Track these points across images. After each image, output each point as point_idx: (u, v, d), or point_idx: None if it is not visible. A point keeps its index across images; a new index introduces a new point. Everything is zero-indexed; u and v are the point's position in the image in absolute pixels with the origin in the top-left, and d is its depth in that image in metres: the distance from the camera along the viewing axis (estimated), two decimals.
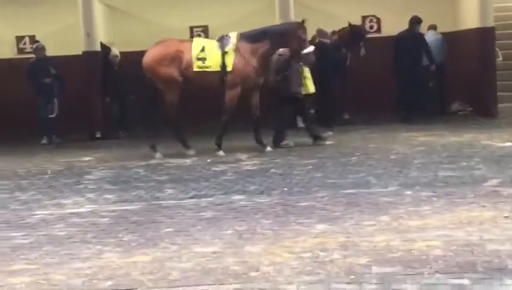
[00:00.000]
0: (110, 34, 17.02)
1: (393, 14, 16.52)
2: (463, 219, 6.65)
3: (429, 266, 5.41)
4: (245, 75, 11.71)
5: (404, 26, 15.58)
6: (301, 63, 12.00)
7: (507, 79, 15.12)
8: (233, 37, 11.84)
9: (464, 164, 9.60)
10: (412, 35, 15.07)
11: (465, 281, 5.02)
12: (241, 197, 8.31)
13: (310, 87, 12.34)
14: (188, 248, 6.23)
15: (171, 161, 11.45)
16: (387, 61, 15.20)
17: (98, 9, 16.41)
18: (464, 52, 15.66)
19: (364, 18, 16.94)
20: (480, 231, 6.21)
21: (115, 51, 15.86)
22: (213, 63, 11.73)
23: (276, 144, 12.20)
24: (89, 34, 15.83)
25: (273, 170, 10.05)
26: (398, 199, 7.75)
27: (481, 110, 15.08)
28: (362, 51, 15.02)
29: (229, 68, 11.68)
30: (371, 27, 17.04)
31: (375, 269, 5.41)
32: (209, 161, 11.21)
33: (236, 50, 11.72)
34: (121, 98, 15.63)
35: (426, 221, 6.70)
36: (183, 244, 6.38)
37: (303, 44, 11.75)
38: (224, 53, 11.70)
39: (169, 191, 8.94)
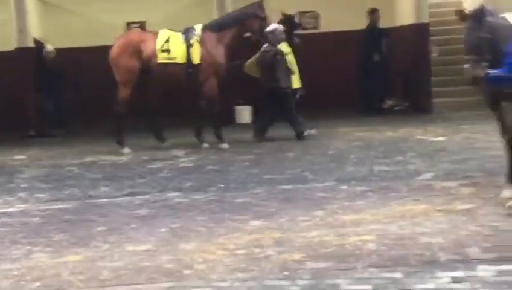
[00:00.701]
0: (44, 29, 16.65)
1: (332, 10, 16.57)
2: (396, 213, 6.70)
3: (362, 260, 5.43)
4: (216, 65, 11.62)
5: (343, 21, 15.76)
6: (269, 44, 11.92)
7: (442, 74, 15.32)
8: (198, 28, 11.75)
9: (399, 158, 9.69)
10: (373, 30, 15.36)
11: (398, 275, 5.05)
12: (177, 194, 8.22)
13: (296, 81, 12.27)
14: (121, 247, 6.12)
15: (107, 158, 11.27)
16: (327, 57, 15.28)
17: (31, 4, 16.01)
18: (400, 48, 15.83)
19: (302, 14, 16.95)
20: (412, 225, 6.27)
21: (49, 47, 15.52)
22: (178, 55, 11.58)
23: (300, 137, 11.98)
24: (22, 30, 15.46)
25: (209, 167, 9.97)
26: (333, 194, 7.77)
27: (417, 105, 15.26)
28: (296, 41, 15.03)
29: (195, 61, 11.57)
30: (309, 23, 17.05)
31: (309, 264, 5.40)
32: (145, 158, 11.06)
33: (202, 41, 11.61)
34: (55, 95, 15.30)
35: (360, 216, 6.72)
36: (115, 242, 6.27)
37: (263, 23, 11.73)
38: (189, 45, 11.59)
39: (104, 189, 8.79)
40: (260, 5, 11.73)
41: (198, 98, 11.89)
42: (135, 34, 12.14)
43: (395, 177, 8.47)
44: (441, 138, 11.20)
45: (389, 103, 15.95)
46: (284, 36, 12.18)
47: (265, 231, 6.41)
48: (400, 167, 9.12)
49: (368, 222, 6.45)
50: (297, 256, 5.60)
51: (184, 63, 11.55)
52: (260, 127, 12.34)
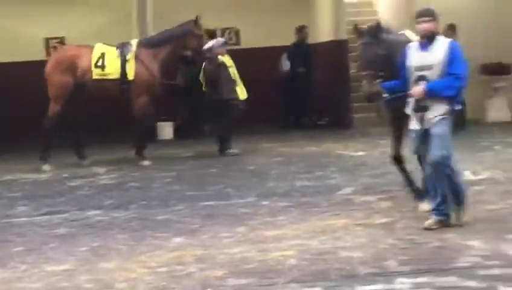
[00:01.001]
0: None
1: (252, 26, 16.72)
2: (317, 228, 6.78)
3: (284, 275, 5.46)
4: (149, 83, 11.47)
5: (261, 38, 15.88)
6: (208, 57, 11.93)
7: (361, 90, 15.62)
8: (134, 44, 11.62)
9: (320, 173, 9.82)
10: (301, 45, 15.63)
11: None
12: (97, 212, 8.10)
13: (241, 92, 12.21)
14: (39, 267, 5.99)
15: (27, 176, 11.00)
16: (247, 73, 15.36)
17: None
18: (321, 64, 16.07)
19: (224, 30, 17.02)
20: (333, 239, 6.35)
21: None
22: (113, 70, 11.42)
23: (223, 152, 11.94)
24: None
25: (131, 184, 9.87)
26: (255, 209, 7.81)
27: (337, 120, 15.50)
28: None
29: (130, 77, 11.43)
30: (230, 39, 17.12)
31: (230, 281, 5.40)
32: (65, 175, 10.87)
33: (137, 57, 11.48)
34: None
35: (282, 231, 6.77)
36: (34, 263, 6.13)
37: (201, 40, 11.70)
38: (125, 61, 11.44)
39: (22, 208, 8.59)
40: (196, 23, 11.66)
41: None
42: (71, 49, 11.95)
43: (316, 192, 8.57)
44: (360, 153, 11.41)
45: (308, 119, 16.13)
46: (224, 48, 12.24)
47: (187, 248, 6.39)
48: (320, 182, 9.24)
49: (289, 237, 6.51)
50: (219, 273, 5.60)
51: (118, 79, 11.43)
52: (221, 141, 12.17)
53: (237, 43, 17.14)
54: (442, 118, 6.36)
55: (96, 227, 7.39)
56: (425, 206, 6.90)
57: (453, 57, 6.33)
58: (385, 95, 6.72)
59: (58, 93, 11.51)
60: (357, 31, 7.15)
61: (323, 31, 16.47)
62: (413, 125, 6.52)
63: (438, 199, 6.41)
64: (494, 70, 14.50)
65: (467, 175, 8.92)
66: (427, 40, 6.41)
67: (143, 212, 8.01)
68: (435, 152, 6.36)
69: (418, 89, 6.34)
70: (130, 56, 11.44)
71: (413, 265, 5.48)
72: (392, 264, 5.57)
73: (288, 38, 16.20)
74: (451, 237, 6.16)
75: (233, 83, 12.08)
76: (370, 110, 15.14)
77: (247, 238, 6.61)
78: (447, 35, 13.20)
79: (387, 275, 5.31)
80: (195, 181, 9.83)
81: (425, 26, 6.37)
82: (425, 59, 6.39)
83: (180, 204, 8.30)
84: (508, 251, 5.62)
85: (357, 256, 5.82)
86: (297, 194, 8.53)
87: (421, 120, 6.42)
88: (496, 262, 5.38)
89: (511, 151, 10.60)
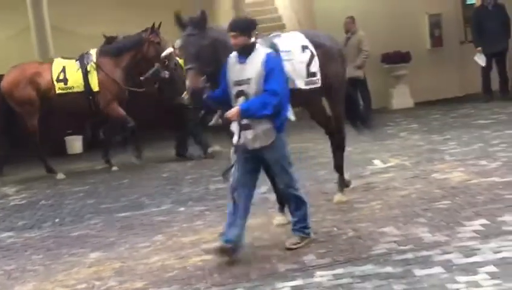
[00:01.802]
0: None
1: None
2: None
3: (205, 280, 5.47)
4: (115, 91, 11.34)
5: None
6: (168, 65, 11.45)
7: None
8: (93, 53, 11.37)
9: None
10: None
11: None
12: (9, 234, 7.91)
13: None
14: None
15: None
16: None
17: None
18: None
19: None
20: (251, 239, 6.38)
21: None
22: (76, 83, 11.24)
23: (205, 152, 11.70)
24: None
25: (43, 202, 9.65)
26: (172, 216, 7.78)
27: None
28: None
29: (94, 88, 11.24)
30: None
31: None
32: None
33: (98, 67, 11.28)
34: None
35: (200, 236, 6.78)
36: None
37: (159, 47, 11.42)
38: (86, 72, 11.24)
39: None
40: (154, 30, 11.46)
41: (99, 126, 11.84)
42: (30, 66, 11.64)
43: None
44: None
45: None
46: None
47: (105, 262, 6.31)
48: None
49: (208, 242, 6.50)
50: (139, 284, 5.56)
51: (83, 91, 11.26)
52: (202, 144, 11.89)
53: None
54: (271, 142, 5.84)
55: (9, 249, 7.21)
56: (281, 219, 6.85)
57: (269, 71, 5.73)
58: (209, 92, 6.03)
59: (28, 109, 11.44)
60: (179, 21, 6.22)
61: None
62: (235, 141, 5.93)
63: (295, 218, 6.14)
64: (394, 58, 14.88)
65: (376, 163, 9.16)
66: (243, 52, 5.84)
67: (57, 229, 7.86)
68: (278, 180, 6.13)
69: (232, 111, 5.73)
70: (90, 67, 11.30)
71: (331, 257, 5.59)
72: (310, 258, 5.65)
73: None
74: (365, 225, 6.30)
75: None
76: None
77: (165, 246, 6.58)
78: (347, 28, 13.75)
79: (306, 270, 5.40)
80: (109, 193, 9.70)
81: (234, 41, 5.82)
82: (242, 73, 5.82)
83: (95, 218, 8.18)
84: (420, 234, 5.79)
85: (276, 253, 5.88)
86: (212, 197, 8.54)
87: (244, 139, 5.88)
88: (410, 246, 5.54)
89: (416, 138, 10.90)
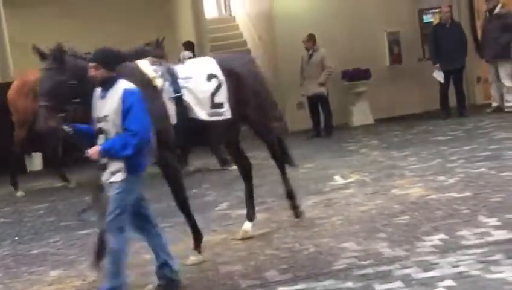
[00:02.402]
0: None
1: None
2: None
3: None
4: None
5: None
6: None
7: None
8: None
9: (195, 191, 9.83)
10: None
11: None
12: None
13: None
14: None
15: None
16: None
17: None
18: None
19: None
20: (213, 255, 6.41)
21: None
22: None
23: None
24: None
25: (1, 220, 9.54)
26: (132, 233, 7.70)
27: None
28: None
29: None
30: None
31: None
32: None
33: None
34: None
35: None
36: None
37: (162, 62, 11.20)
38: None
39: None
40: (158, 44, 11.12)
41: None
42: (32, 74, 11.48)
43: (193, 210, 8.54)
44: (234, 167, 11.37)
45: None
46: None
47: (65, 280, 6.27)
48: (196, 199, 9.22)
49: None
50: None
51: None
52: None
53: None
54: (119, 181, 5.36)
55: None
56: (248, 226, 6.95)
57: (127, 109, 5.29)
58: (69, 130, 5.54)
59: (23, 119, 11.33)
60: (39, 53, 5.81)
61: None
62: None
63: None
64: (354, 75, 15.05)
65: (337, 179, 9.24)
66: (103, 86, 5.41)
67: (17, 248, 7.78)
68: (108, 214, 5.42)
69: (92, 151, 5.33)
70: None
71: (292, 273, 5.62)
72: (272, 274, 5.68)
73: None
74: (326, 241, 6.36)
75: None
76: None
77: (128, 263, 6.53)
78: (307, 46, 13.88)
79: (268, 286, 5.43)
80: (69, 211, 9.61)
81: (92, 73, 5.38)
82: (102, 109, 5.40)
83: (55, 236, 8.12)
84: (379, 249, 5.86)
85: (238, 270, 5.90)
86: (174, 214, 8.49)
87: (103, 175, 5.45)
88: (370, 261, 5.60)
89: (376, 154, 11.02)
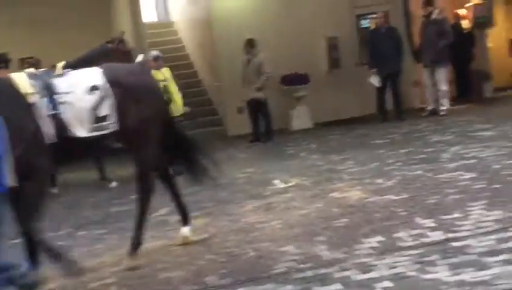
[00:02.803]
0: None
1: (54, 55, 16.45)
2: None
3: None
4: None
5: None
6: None
7: None
8: (59, 68, 10.58)
9: (134, 197, 9.71)
10: None
11: None
12: None
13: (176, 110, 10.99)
14: None
15: None
16: None
17: None
18: None
19: (22, 60, 16.47)
20: (152, 261, 6.35)
21: None
22: None
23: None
24: None
25: None
26: (71, 241, 7.62)
27: None
28: None
29: None
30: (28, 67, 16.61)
31: None
32: None
33: None
34: None
35: (100, 259, 6.68)
36: None
37: (129, 57, 10.53)
38: None
39: None
40: (121, 39, 10.87)
41: None
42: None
43: (132, 216, 8.45)
44: (114, 184, 11.23)
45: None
46: (157, 62, 11.28)
47: None
48: (134, 205, 9.16)
49: (108, 265, 6.43)
50: None
51: None
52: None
53: None
54: None
55: None
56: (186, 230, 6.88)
57: None
58: None
59: None
60: None
61: None
62: None
63: None
64: (293, 80, 15.17)
65: (277, 183, 9.28)
66: None
67: None
68: None
69: None
70: None
71: (232, 277, 5.61)
72: (212, 279, 5.66)
73: None
74: (266, 245, 6.37)
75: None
76: None
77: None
78: (247, 51, 13.93)
79: None
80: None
81: None
82: None
83: None
84: (319, 253, 5.90)
85: (177, 275, 5.86)
86: (112, 220, 8.44)
87: None
88: (309, 265, 5.63)
89: (316, 157, 11.11)
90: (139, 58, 10.13)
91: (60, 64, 10.33)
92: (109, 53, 10.71)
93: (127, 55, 10.70)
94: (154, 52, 11.62)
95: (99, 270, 6.32)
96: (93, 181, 11.65)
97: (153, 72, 10.50)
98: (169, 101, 10.88)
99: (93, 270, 6.31)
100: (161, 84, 10.47)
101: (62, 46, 16.67)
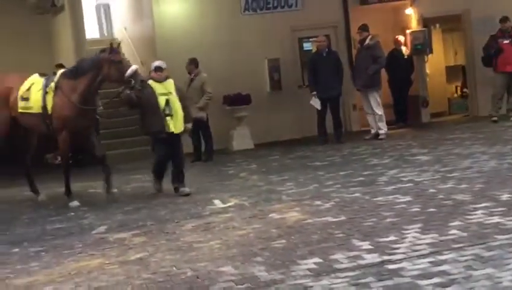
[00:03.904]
0: None
1: None
2: (72, 270, 6.66)
3: None
4: (66, 116, 10.19)
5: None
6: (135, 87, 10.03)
7: (110, 127, 15.56)
8: (58, 74, 10.36)
9: (72, 214, 9.64)
10: None
11: None
12: None
13: (174, 125, 10.31)
14: None
15: None
16: None
17: None
18: None
19: None
20: (88, 280, 6.28)
21: None
22: (35, 104, 10.21)
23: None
24: None
25: None
26: (5, 258, 7.49)
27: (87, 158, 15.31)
28: None
29: (49, 110, 10.18)
30: None
31: None
32: None
33: (57, 89, 10.18)
34: None
35: (34, 277, 6.57)
36: None
37: (121, 67, 10.09)
38: (45, 93, 10.20)
39: None
40: (113, 49, 10.29)
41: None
42: (8, 79, 10.76)
43: (69, 233, 8.42)
44: (114, 190, 11.09)
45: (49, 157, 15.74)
46: (158, 73, 10.58)
47: None
48: (73, 222, 9.08)
49: (43, 283, 6.33)
50: None
51: (40, 113, 10.28)
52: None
53: None
54: None
55: None
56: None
57: None
58: None
59: None
60: None
61: None
62: None
63: None
64: (235, 101, 15.23)
65: (216, 203, 9.29)
66: None
67: None
68: None
69: None
70: (49, 88, 10.24)
71: None
72: None
73: None
74: (204, 265, 6.36)
75: (158, 112, 10.25)
76: (119, 147, 15.36)
77: None
78: (189, 70, 13.94)
79: None
80: None
81: None
82: None
83: None
84: (256, 273, 5.92)
85: None
86: (49, 237, 8.31)
87: None
88: (246, 285, 5.64)
89: (255, 178, 11.16)
90: (133, 68, 10.15)
91: (59, 72, 10.05)
92: (102, 62, 10.26)
93: (118, 65, 10.20)
94: (156, 63, 10.86)
95: (32, 288, 6.21)
96: (26, 197, 11.46)
97: (152, 83, 10.44)
98: (170, 115, 10.27)
99: (27, 289, 6.21)
100: (162, 98, 10.33)
101: (1, 58, 16.52)
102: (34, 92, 10.45)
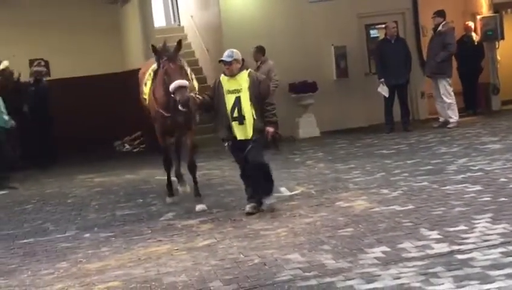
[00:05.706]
0: None
1: (63, 57, 16.65)
2: (141, 256, 6.77)
3: None
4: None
5: (74, 68, 16.03)
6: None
7: None
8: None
9: (140, 201, 9.80)
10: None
11: None
12: None
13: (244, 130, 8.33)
14: None
15: None
16: (60, 103, 15.08)
17: None
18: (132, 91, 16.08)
19: (31, 61, 16.55)
20: (157, 266, 6.38)
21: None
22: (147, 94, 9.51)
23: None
24: None
25: None
26: (76, 243, 7.66)
27: (155, 145, 15.50)
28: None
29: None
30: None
31: None
32: None
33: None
34: None
35: (105, 262, 6.70)
36: None
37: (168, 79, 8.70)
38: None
39: None
40: (167, 48, 9.55)
41: None
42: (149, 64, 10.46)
43: (138, 220, 8.55)
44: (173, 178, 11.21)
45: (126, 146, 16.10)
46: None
47: (5, 289, 6.15)
48: (142, 209, 9.22)
49: (113, 268, 6.46)
50: None
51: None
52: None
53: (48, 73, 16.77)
54: None
55: None
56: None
57: None
58: None
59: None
60: None
61: (136, 58, 16.48)
62: None
63: None
64: (301, 88, 15.16)
65: (283, 191, 9.29)
66: None
67: None
68: None
69: None
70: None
71: (236, 283, 5.63)
72: (216, 284, 5.68)
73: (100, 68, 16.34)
74: (271, 252, 6.38)
75: (224, 115, 8.37)
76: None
77: (70, 273, 6.47)
78: (256, 58, 13.94)
79: None
80: (11, 219, 9.47)
81: None
82: None
83: None
84: (323, 261, 5.91)
85: (182, 280, 5.88)
86: (118, 223, 8.46)
87: None
88: (314, 273, 5.64)
89: (322, 166, 11.12)
90: (176, 83, 8.48)
91: None
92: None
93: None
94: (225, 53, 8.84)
95: (104, 273, 6.34)
96: (96, 183, 11.70)
97: (223, 78, 8.52)
98: (237, 119, 8.30)
99: (98, 273, 6.34)
100: (231, 97, 8.37)
101: (70, 48, 16.92)
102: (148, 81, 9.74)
